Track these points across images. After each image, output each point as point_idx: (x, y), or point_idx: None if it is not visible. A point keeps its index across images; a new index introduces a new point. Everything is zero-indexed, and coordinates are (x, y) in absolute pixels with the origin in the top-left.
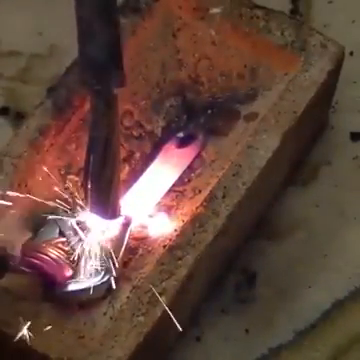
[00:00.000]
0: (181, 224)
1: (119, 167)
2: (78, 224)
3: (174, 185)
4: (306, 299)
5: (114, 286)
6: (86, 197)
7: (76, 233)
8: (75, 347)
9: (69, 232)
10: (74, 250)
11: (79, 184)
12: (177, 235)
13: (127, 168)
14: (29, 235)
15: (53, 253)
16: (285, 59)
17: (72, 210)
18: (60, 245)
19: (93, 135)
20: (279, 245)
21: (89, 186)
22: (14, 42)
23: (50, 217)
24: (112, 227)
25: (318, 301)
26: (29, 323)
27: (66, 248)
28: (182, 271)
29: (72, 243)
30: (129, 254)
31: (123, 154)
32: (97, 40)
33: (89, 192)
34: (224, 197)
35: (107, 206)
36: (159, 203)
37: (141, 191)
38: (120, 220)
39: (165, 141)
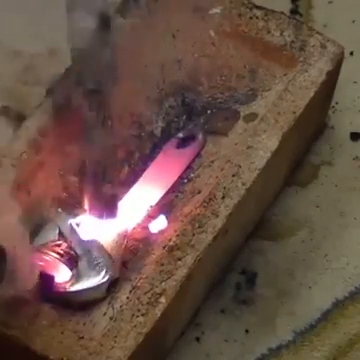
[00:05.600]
0: (181, 224)
1: (115, 167)
2: (77, 225)
3: (174, 185)
4: (306, 299)
5: (114, 287)
6: (84, 198)
7: (75, 234)
8: (75, 348)
9: (69, 233)
10: (74, 251)
11: (77, 185)
12: (177, 236)
13: (126, 168)
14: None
15: (52, 254)
16: (284, 59)
17: (71, 211)
18: (59, 246)
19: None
20: (279, 245)
21: (86, 187)
22: (14, 42)
23: (50, 218)
24: (111, 228)
25: (318, 301)
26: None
27: (65, 249)
28: (182, 272)
29: (71, 244)
30: (129, 254)
31: (123, 154)
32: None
33: (86, 193)
34: (224, 197)
35: (105, 207)
36: (159, 203)
37: (140, 191)
38: (118, 224)
39: (165, 141)
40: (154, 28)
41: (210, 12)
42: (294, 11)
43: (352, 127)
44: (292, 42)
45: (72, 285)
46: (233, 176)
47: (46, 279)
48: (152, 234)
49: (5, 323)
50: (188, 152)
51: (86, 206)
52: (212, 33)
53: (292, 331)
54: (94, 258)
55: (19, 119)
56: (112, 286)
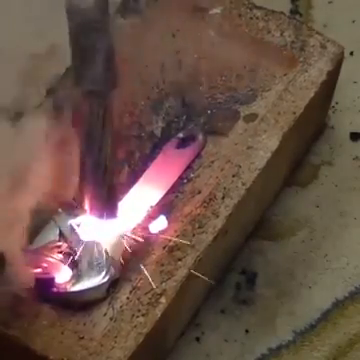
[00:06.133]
0: (181, 225)
1: (115, 167)
2: (77, 225)
3: (174, 185)
4: (306, 299)
5: (114, 287)
6: (83, 198)
7: (75, 234)
8: (75, 348)
9: (69, 233)
10: (74, 251)
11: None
12: (177, 236)
13: (127, 168)
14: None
15: (52, 255)
16: (284, 60)
17: (71, 211)
18: (59, 247)
19: (88, 136)
20: (279, 245)
21: (86, 187)
22: (14, 42)
23: (50, 218)
24: (111, 228)
25: (318, 301)
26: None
27: (66, 249)
28: (182, 272)
29: (72, 244)
30: (129, 255)
31: (123, 154)
32: (88, 42)
33: (86, 193)
34: (224, 198)
35: (104, 206)
36: (159, 204)
37: (141, 191)
38: (118, 224)
39: (165, 141)
40: (154, 28)
41: (210, 12)
42: (294, 11)
43: (352, 127)
44: (292, 42)
45: (72, 285)
46: (233, 176)
47: (46, 280)
48: (152, 234)
49: (5, 323)
50: (188, 152)
51: (86, 206)
52: (212, 33)
53: (292, 331)
54: (94, 258)
55: (19, 119)
56: (112, 286)
